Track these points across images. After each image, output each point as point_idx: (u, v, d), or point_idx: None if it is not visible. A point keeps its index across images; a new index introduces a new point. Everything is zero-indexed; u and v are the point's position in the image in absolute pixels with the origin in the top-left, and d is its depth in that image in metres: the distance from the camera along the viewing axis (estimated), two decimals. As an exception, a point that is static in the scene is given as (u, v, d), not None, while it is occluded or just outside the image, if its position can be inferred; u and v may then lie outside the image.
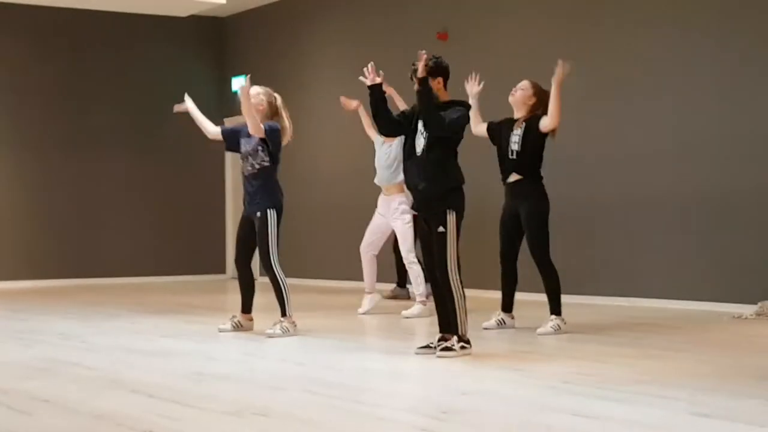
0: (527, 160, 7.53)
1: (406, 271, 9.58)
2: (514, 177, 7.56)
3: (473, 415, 4.42)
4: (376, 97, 6.65)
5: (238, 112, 15.23)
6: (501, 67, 11.07)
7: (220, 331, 7.66)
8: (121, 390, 5.14)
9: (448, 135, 6.31)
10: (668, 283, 9.54)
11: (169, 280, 14.30)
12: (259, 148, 7.62)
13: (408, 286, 10.27)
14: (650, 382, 5.19)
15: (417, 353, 6.27)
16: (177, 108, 8.21)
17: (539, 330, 7.35)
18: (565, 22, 10.53)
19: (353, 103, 9.56)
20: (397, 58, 12.47)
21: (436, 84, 6.47)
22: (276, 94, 8.00)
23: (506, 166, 7.58)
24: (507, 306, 7.76)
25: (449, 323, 6.21)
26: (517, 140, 7.52)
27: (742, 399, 4.72)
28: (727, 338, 7.24)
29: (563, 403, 4.63)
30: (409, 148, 6.43)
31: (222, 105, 15.32)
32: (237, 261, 7.87)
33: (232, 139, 7.91)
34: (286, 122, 7.85)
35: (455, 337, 6.12)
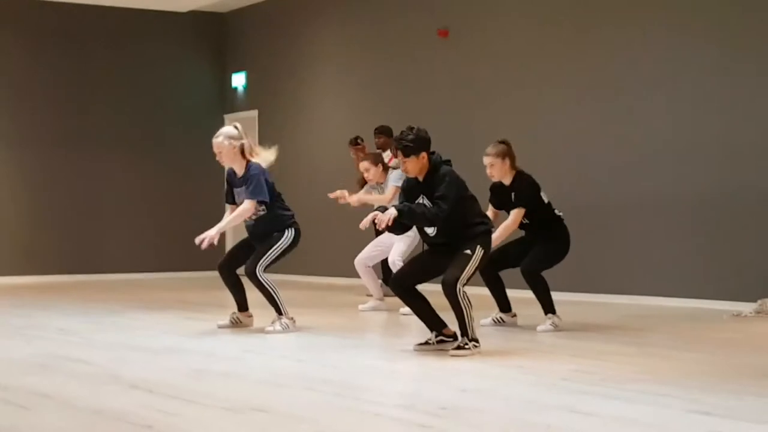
0: (535, 217, 7.59)
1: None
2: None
3: (472, 413, 4.42)
4: (398, 229, 6.38)
5: (237, 109, 15.34)
6: (501, 64, 11.07)
7: (219, 327, 7.66)
8: (121, 386, 5.15)
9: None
10: (668, 281, 9.54)
11: (169, 276, 14.30)
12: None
13: None
14: (650, 379, 5.19)
15: (416, 350, 6.29)
16: (206, 244, 7.61)
17: (539, 328, 7.38)
18: (565, 22, 10.52)
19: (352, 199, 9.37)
20: (397, 53, 12.50)
21: (421, 160, 6.22)
22: (236, 125, 7.71)
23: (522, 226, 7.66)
24: (504, 306, 7.79)
25: (438, 322, 6.32)
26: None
27: (742, 397, 4.72)
28: (726, 336, 7.24)
29: (562, 401, 4.63)
30: (421, 231, 6.45)
31: (222, 101, 15.32)
32: (221, 267, 7.79)
33: (230, 195, 7.75)
34: (257, 149, 7.59)
35: (465, 337, 6.16)
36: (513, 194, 7.56)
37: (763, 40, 9.00)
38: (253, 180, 7.40)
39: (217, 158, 7.63)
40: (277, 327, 7.39)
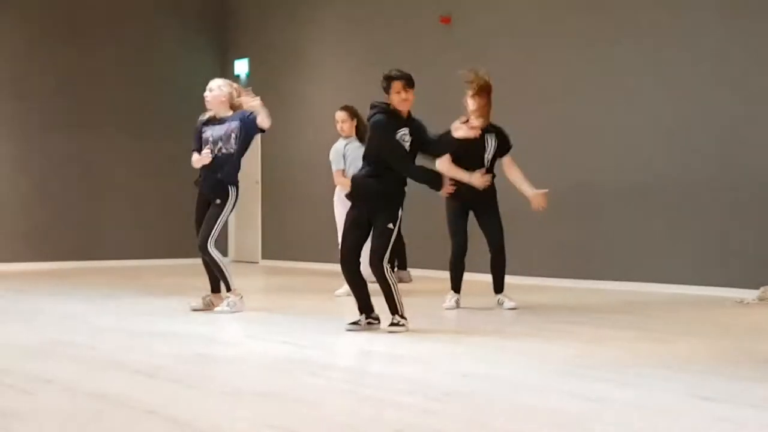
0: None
1: (405, 254, 9.71)
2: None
3: (475, 398, 4.42)
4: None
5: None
6: (502, 51, 11.05)
7: (192, 310, 7.74)
8: (123, 371, 5.15)
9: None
10: (671, 268, 9.53)
11: (171, 263, 14.31)
12: (232, 134, 7.72)
13: (408, 269, 10.41)
14: (652, 365, 5.19)
15: (348, 330, 6.61)
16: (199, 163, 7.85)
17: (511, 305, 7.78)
18: (566, 8, 10.49)
19: None
20: (399, 40, 12.47)
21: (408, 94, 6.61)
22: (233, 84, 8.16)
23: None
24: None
25: (369, 304, 6.65)
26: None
27: (745, 383, 4.72)
28: (729, 322, 7.24)
29: (564, 386, 4.62)
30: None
31: (225, 88, 15.30)
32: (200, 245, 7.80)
33: (198, 140, 7.94)
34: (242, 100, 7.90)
35: (397, 315, 6.53)
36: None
37: (758, 26, 8.96)
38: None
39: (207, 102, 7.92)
40: (225, 307, 7.65)
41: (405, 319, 6.56)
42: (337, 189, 9.14)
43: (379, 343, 6.40)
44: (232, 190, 7.77)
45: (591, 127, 10.23)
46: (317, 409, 4.20)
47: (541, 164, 8.21)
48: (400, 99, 6.54)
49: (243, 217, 15.08)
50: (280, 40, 14.30)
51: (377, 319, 6.66)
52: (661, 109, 9.64)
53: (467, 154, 7.64)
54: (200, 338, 6.45)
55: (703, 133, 9.32)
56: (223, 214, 7.71)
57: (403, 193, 6.61)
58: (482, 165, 7.78)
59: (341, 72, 13.36)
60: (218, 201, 7.71)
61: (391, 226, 6.46)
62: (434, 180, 6.54)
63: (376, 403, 4.33)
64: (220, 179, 7.72)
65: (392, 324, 6.54)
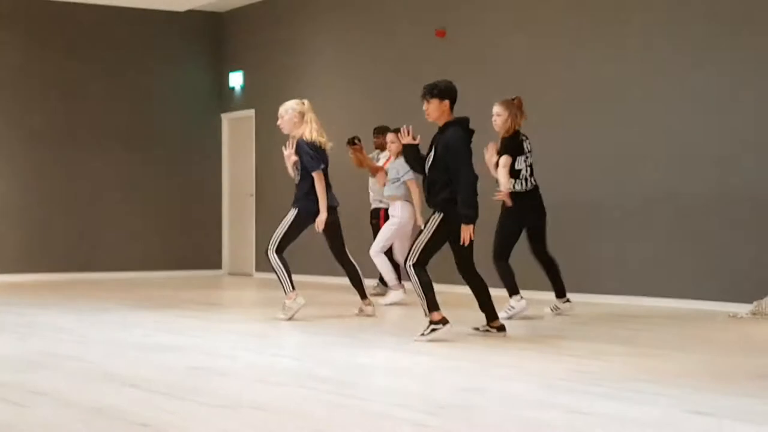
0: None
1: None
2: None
3: (469, 411, 4.42)
4: (412, 154, 7.04)
5: (235, 108, 15.33)
6: (497, 66, 11.08)
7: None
8: (117, 383, 5.14)
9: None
10: (664, 282, 9.55)
11: (165, 275, 14.29)
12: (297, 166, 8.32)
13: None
14: (646, 379, 5.20)
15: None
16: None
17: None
18: (561, 23, 10.53)
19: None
20: (395, 53, 12.49)
21: (442, 106, 6.81)
22: (304, 101, 8.59)
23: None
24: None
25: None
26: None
27: (737, 397, 4.72)
28: (722, 337, 7.25)
29: (559, 400, 4.63)
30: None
31: (219, 100, 15.31)
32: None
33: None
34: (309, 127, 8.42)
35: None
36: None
37: (751, 42, 9.00)
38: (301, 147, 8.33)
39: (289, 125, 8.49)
40: (280, 315, 7.99)
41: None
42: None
43: (374, 356, 6.40)
44: (292, 209, 8.33)
45: (585, 143, 10.25)
46: (310, 422, 4.19)
47: (535, 178, 8.32)
48: None
49: (237, 229, 15.08)
50: (275, 53, 14.32)
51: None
52: (656, 126, 9.66)
53: None
54: (194, 351, 6.44)
55: (697, 149, 9.34)
56: (282, 223, 8.30)
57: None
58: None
59: (336, 85, 13.37)
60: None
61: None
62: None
63: (369, 416, 4.32)
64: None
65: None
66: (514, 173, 8.14)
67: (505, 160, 8.08)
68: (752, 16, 9.06)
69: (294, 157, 8.31)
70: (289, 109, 8.39)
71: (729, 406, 4.50)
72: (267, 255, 8.16)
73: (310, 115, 8.34)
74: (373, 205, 10.57)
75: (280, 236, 8.14)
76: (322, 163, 8.19)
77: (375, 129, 10.79)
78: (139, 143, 14.57)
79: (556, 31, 10.54)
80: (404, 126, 7.09)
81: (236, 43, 15.09)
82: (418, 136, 7.07)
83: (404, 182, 9.63)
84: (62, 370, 5.60)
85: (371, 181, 10.53)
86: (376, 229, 10.24)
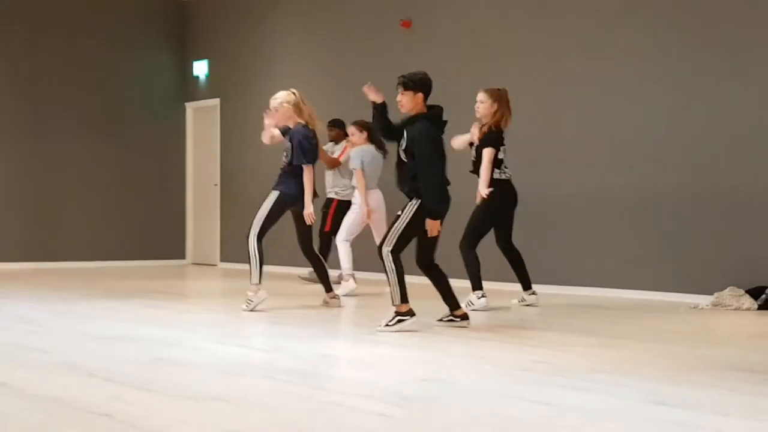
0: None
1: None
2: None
3: (432, 403, 4.43)
4: (380, 111, 6.93)
5: (199, 97, 15.24)
6: (464, 55, 11.09)
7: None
8: (79, 374, 5.10)
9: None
10: (627, 274, 9.62)
11: (128, 264, 14.20)
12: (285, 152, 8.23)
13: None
14: (608, 370, 5.23)
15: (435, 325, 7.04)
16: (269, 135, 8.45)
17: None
18: (532, 13, 10.55)
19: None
20: (360, 44, 12.47)
21: (415, 98, 6.77)
22: (294, 91, 8.41)
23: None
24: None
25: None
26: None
27: (699, 388, 4.77)
28: (684, 328, 7.31)
29: (522, 391, 4.65)
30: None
31: (183, 89, 15.22)
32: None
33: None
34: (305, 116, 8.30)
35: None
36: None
37: (733, 41, 9.07)
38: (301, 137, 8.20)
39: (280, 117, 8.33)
40: (243, 306, 8.08)
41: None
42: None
43: (338, 347, 6.40)
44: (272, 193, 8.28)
45: (553, 137, 10.30)
46: (274, 414, 4.18)
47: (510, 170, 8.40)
48: None
49: (201, 219, 15.01)
50: (240, 42, 14.25)
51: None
52: (624, 120, 9.72)
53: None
54: (157, 342, 6.40)
55: (665, 143, 9.41)
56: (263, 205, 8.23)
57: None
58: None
59: (301, 74, 13.33)
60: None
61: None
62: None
63: (333, 408, 4.32)
64: None
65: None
66: (496, 162, 8.18)
67: (489, 153, 8.06)
68: (719, 16, 9.13)
69: (275, 131, 8.23)
70: (283, 102, 8.24)
71: (691, 397, 4.54)
72: (247, 240, 8.08)
73: (305, 107, 8.28)
74: (328, 195, 10.67)
75: (262, 219, 8.08)
76: (315, 157, 8.13)
77: (329, 122, 10.85)
78: (103, 132, 14.46)
79: (523, 22, 10.55)
80: (368, 83, 6.99)
81: (201, 32, 15.00)
82: (382, 93, 6.99)
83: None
84: (23, 361, 5.54)
85: (327, 172, 10.58)
86: (324, 218, 10.38)
